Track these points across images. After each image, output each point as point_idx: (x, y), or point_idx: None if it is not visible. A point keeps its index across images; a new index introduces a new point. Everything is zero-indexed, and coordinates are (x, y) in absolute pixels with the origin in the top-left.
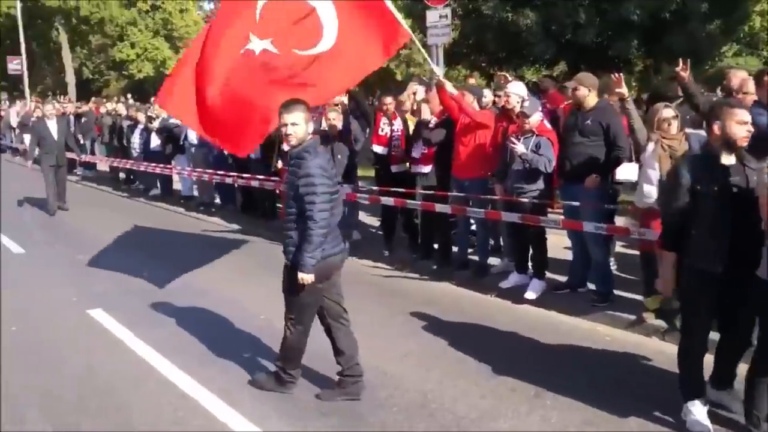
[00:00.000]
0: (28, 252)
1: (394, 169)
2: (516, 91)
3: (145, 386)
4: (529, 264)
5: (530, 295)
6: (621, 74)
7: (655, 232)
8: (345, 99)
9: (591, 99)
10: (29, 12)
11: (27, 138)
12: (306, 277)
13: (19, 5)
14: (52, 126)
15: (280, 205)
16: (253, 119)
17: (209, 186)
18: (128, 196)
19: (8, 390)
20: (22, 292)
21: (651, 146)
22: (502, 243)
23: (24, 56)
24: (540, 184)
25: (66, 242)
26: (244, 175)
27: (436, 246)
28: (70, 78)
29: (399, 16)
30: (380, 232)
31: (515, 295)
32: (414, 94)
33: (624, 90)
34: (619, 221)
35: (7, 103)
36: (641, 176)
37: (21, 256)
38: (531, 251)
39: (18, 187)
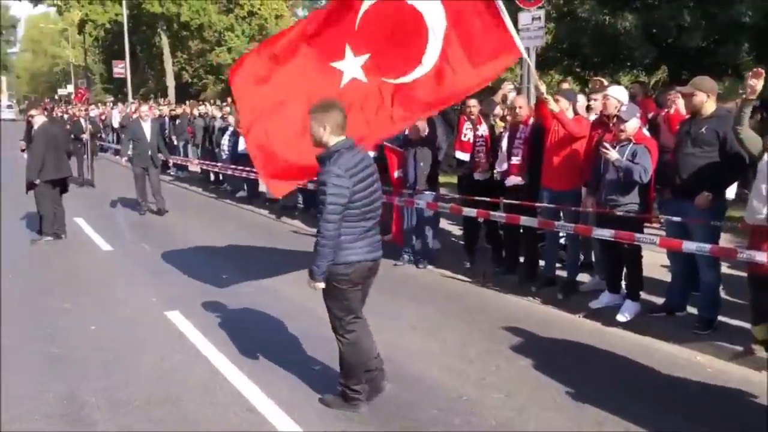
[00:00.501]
0: (116, 250)
1: (477, 176)
2: (615, 95)
3: (214, 396)
4: (623, 283)
5: (623, 317)
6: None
7: (765, 253)
8: None
9: (709, 105)
10: (134, 18)
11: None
12: (315, 285)
13: (125, 12)
14: (147, 127)
15: None
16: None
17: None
18: (216, 197)
19: (79, 389)
20: (105, 290)
21: (766, 157)
22: (593, 258)
23: (128, 60)
24: (635, 197)
25: (152, 241)
26: None
27: (521, 259)
28: (170, 81)
29: (514, 31)
30: (462, 242)
31: (606, 316)
32: (505, 98)
33: (759, 85)
34: (723, 239)
35: (111, 104)
36: (753, 190)
37: (108, 254)
38: (625, 269)
39: (116, 186)
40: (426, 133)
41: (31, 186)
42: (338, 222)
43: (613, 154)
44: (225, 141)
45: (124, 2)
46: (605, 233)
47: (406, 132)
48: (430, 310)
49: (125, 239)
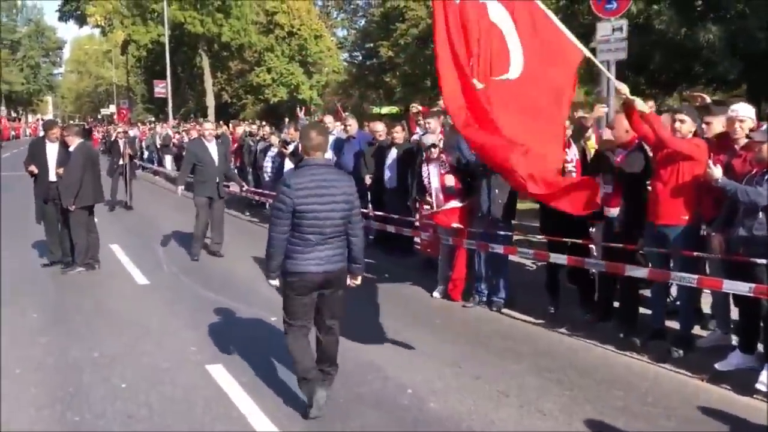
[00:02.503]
0: (153, 283)
1: None
2: (749, 114)
3: None
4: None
5: (764, 386)
6: None
7: None
8: None
9: None
10: (176, 39)
11: (168, 159)
12: (270, 282)
13: (167, 33)
14: (212, 149)
15: (418, 240)
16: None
17: None
18: (258, 222)
19: None
20: (139, 336)
21: None
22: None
23: (169, 80)
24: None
25: (192, 274)
26: (378, 213)
27: (616, 304)
28: (210, 101)
29: (570, 34)
30: (515, 275)
31: (738, 381)
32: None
33: None
34: None
35: (153, 124)
36: None
37: (145, 288)
38: (762, 324)
39: (154, 210)
40: None
41: (64, 212)
42: (282, 226)
43: (715, 172)
44: (267, 163)
45: (166, 23)
46: (741, 287)
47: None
48: (519, 369)
49: (162, 271)
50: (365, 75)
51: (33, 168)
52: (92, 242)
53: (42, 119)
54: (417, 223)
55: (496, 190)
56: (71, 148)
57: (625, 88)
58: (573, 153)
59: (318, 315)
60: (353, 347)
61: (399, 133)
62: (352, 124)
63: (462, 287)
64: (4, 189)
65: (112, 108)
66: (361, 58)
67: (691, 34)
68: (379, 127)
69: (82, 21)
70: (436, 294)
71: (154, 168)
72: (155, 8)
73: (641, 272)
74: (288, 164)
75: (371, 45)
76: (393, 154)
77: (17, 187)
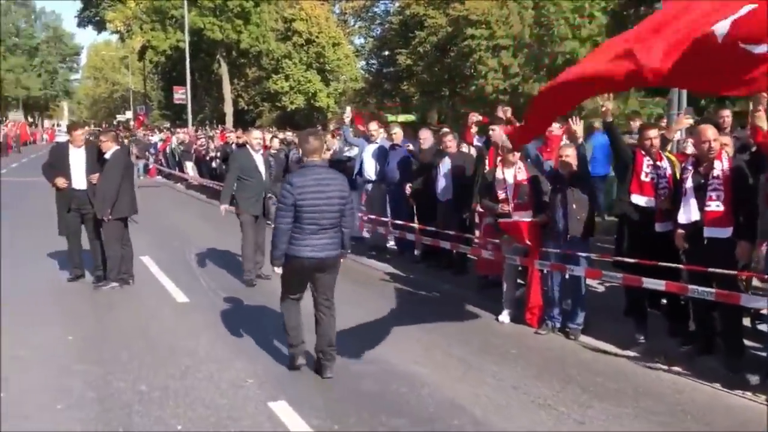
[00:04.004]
0: (193, 302)
1: (659, 228)
2: None
3: None
4: None
5: None
6: None
7: None
8: (580, 130)
9: None
10: (195, 45)
11: (189, 165)
12: (274, 269)
13: (187, 38)
14: (259, 161)
15: (471, 257)
16: None
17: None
18: None
19: None
20: (186, 365)
21: None
22: None
23: (188, 87)
24: None
25: (234, 292)
26: (429, 228)
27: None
28: (228, 108)
29: None
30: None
31: None
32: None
33: None
34: None
35: (172, 130)
36: None
37: (185, 307)
38: None
39: (179, 218)
40: (576, 168)
41: (97, 222)
42: (285, 218)
43: None
44: None
45: (186, 29)
46: None
47: (551, 166)
48: (624, 413)
49: (201, 287)
50: (381, 83)
51: (61, 182)
52: (126, 256)
53: (58, 125)
54: (476, 240)
55: (574, 206)
56: (107, 155)
57: None
58: (665, 165)
59: (315, 294)
60: (427, 380)
61: (451, 142)
62: (398, 133)
63: (540, 314)
64: (20, 196)
65: (128, 114)
66: (377, 65)
67: None
68: (395, 129)
69: (100, 27)
70: (502, 318)
71: (177, 174)
72: (175, 14)
73: (762, 303)
74: None
75: (388, 53)
76: (447, 163)
77: (30, 194)
